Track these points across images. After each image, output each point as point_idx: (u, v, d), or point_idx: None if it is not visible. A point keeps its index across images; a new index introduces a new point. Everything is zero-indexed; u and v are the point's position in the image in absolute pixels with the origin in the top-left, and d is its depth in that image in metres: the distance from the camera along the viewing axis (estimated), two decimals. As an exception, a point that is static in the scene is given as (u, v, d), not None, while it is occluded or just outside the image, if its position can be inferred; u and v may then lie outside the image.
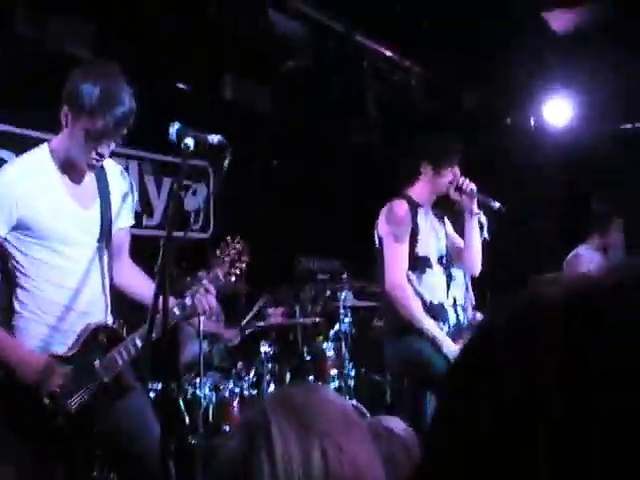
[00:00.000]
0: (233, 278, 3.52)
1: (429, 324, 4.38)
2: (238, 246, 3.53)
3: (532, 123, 7.71)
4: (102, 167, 3.31)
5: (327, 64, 6.50)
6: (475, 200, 4.59)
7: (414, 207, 4.55)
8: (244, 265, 3.53)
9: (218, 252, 3.50)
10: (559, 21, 6.35)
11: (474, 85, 7.65)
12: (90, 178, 3.30)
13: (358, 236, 7.67)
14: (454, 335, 4.48)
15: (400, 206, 4.52)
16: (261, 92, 7.48)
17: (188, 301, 3.34)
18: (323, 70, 6.57)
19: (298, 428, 1.20)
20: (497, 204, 4.57)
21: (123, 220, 3.51)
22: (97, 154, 3.13)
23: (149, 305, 3.05)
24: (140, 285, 3.52)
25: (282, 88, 7.34)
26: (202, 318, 5.01)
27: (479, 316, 5.01)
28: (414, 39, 6.49)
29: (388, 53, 6.85)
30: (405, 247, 4.44)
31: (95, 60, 3.16)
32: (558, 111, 7.44)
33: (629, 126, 7.70)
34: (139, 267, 3.63)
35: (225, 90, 7.07)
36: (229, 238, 3.55)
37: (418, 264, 4.49)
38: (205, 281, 3.40)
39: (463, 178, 4.57)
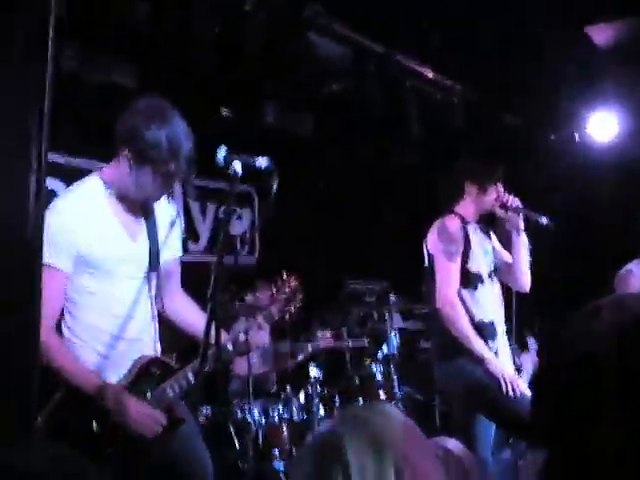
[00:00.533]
0: (287, 316, 3.52)
1: (478, 344, 4.33)
2: (293, 284, 3.52)
3: (577, 139, 7.61)
4: None
5: (368, 86, 6.49)
6: (521, 216, 4.54)
7: (464, 224, 4.52)
8: (299, 304, 3.53)
9: (274, 289, 3.49)
10: (601, 35, 6.29)
11: (517, 102, 7.59)
12: (139, 211, 3.33)
13: (404, 257, 7.64)
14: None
15: (453, 222, 4.48)
16: (303, 116, 7.51)
17: (242, 337, 3.33)
18: (364, 92, 6.56)
19: (372, 444, 1.18)
20: (545, 219, 4.51)
21: (172, 250, 3.52)
22: (169, 191, 3.20)
23: (200, 336, 3.08)
24: (191, 317, 3.53)
25: (324, 111, 7.35)
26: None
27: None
28: (454, 58, 6.47)
29: (429, 73, 6.82)
30: (457, 265, 4.40)
31: (147, 99, 3.17)
32: (603, 126, 7.34)
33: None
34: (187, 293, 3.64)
35: (267, 115, 7.10)
36: (285, 275, 3.54)
37: (470, 280, 4.45)
38: (259, 318, 3.39)
39: (507, 195, 4.52)
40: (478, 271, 4.48)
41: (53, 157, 5.60)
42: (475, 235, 4.57)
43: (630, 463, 1.06)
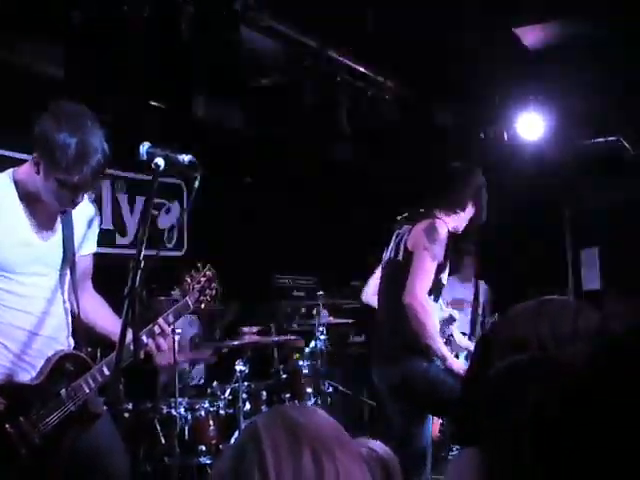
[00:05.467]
0: (203, 305, 3.51)
1: (441, 343, 4.35)
2: (208, 273, 3.52)
3: (505, 137, 7.73)
4: None
5: (300, 80, 6.49)
6: None
7: (449, 235, 4.51)
8: (214, 292, 3.53)
9: (188, 279, 3.48)
10: (530, 36, 6.39)
11: (447, 100, 7.68)
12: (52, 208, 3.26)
13: (333, 252, 7.71)
14: None
15: (443, 228, 4.43)
16: (233, 110, 7.47)
17: (144, 339, 3.29)
18: (295, 86, 6.56)
19: (289, 438, 1.17)
20: None
21: (87, 247, 3.47)
22: (73, 203, 3.12)
23: (112, 339, 3.10)
24: (102, 318, 3.48)
25: (254, 105, 7.33)
26: (177, 339, 4.98)
27: None
28: (386, 54, 6.51)
29: (361, 69, 6.85)
30: (434, 267, 4.40)
31: (64, 104, 3.08)
32: (531, 125, 7.46)
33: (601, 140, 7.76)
34: (111, 287, 3.57)
35: (197, 108, 7.04)
36: (199, 265, 3.53)
37: (436, 290, 4.45)
38: (160, 320, 3.36)
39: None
40: (443, 284, 4.51)
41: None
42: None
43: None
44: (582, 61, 6.30)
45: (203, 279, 3.49)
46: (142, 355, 3.28)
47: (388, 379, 4.51)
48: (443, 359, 4.31)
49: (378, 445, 2.13)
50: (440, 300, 4.58)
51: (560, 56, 6.44)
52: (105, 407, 3.44)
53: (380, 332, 4.64)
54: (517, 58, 6.57)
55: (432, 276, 4.37)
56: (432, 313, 4.35)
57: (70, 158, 2.95)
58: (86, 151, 2.97)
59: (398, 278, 4.44)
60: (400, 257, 4.50)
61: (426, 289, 4.34)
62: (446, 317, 4.69)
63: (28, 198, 3.15)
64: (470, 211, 4.57)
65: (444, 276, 4.48)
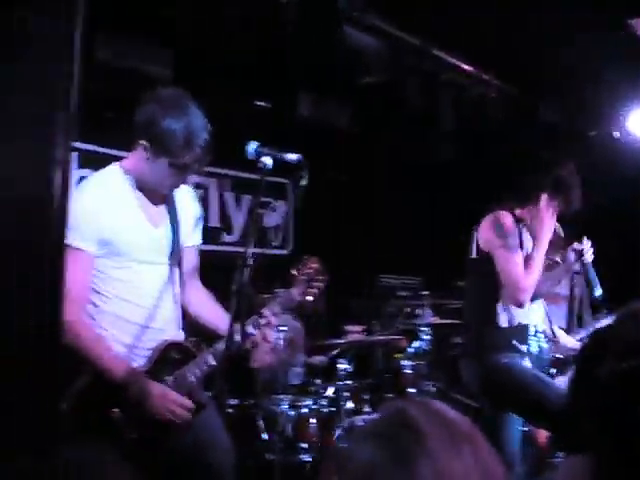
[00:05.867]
0: (310, 297, 3.47)
1: None
2: (315, 265, 3.48)
3: (616, 135, 7.49)
4: None
5: (404, 79, 6.45)
6: (581, 268, 4.44)
7: (518, 223, 4.43)
8: (322, 284, 3.49)
9: (295, 272, 3.47)
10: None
11: (555, 99, 7.51)
12: (159, 198, 3.36)
13: (438, 253, 7.63)
14: (534, 363, 4.37)
15: (506, 217, 4.36)
16: (338, 109, 7.48)
17: (250, 329, 3.32)
18: (400, 85, 6.53)
19: (450, 434, 1.13)
20: (599, 292, 4.36)
21: (192, 240, 3.55)
22: (183, 182, 3.25)
23: (217, 331, 3.20)
24: (208, 312, 3.54)
25: (360, 104, 7.32)
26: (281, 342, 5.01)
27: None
28: (491, 52, 6.40)
29: (466, 67, 6.76)
30: (520, 254, 4.30)
31: (162, 90, 3.21)
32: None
33: None
34: (217, 284, 3.63)
35: (302, 107, 7.09)
36: (306, 257, 3.53)
37: None
38: (268, 312, 3.37)
39: (589, 246, 4.40)
40: None
41: (90, 147, 5.66)
42: (525, 236, 4.47)
43: None
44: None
45: (309, 271, 3.46)
46: (249, 345, 3.33)
47: (472, 378, 4.48)
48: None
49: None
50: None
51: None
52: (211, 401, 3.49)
53: (467, 331, 4.64)
54: (630, 51, 6.36)
55: (522, 264, 4.27)
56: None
57: (179, 141, 3.09)
58: (193, 132, 3.10)
59: (476, 277, 4.40)
60: (474, 254, 4.44)
61: (533, 281, 4.26)
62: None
63: (138, 187, 3.27)
64: (549, 204, 4.42)
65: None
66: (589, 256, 4.38)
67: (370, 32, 5.80)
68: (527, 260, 4.29)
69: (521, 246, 4.36)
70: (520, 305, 4.24)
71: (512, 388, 4.28)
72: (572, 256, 4.41)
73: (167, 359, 3.31)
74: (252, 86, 6.52)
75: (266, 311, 3.37)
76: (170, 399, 3.18)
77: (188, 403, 3.22)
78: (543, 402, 4.13)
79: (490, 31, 5.89)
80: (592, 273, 4.39)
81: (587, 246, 4.39)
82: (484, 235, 4.38)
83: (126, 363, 3.19)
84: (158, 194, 3.33)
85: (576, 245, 4.41)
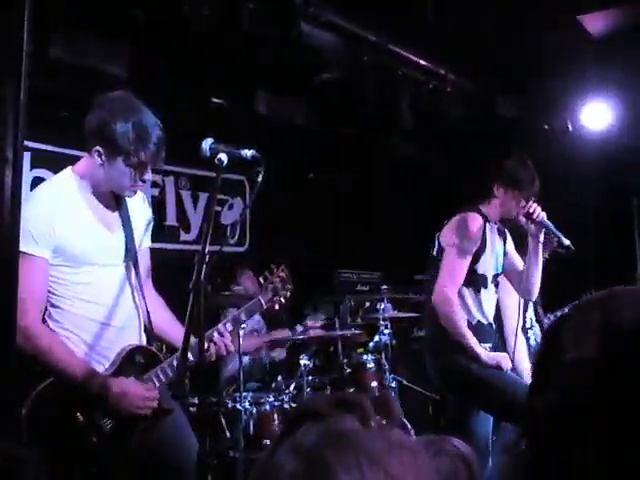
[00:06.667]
0: (277, 306, 3.56)
1: (472, 341, 4.31)
2: (282, 274, 3.57)
3: (570, 128, 7.58)
4: None
5: (361, 75, 6.46)
6: (543, 230, 4.46)
7: (485, 223, 4.46)
8: (288, 293, 3.56)
9: (262, 280, 3.53)
10: (594, 23, 6.26)
11: (510, 92, 7.57)
12: (112, 203, 3.36)
13: (397, 248, 7.67)
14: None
15: (475, 221, 4.41)
16: (295, 106, 7.48)
17: (215, 336, 3.37)
18: (357, 81, 6.54)
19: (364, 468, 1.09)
20: (567, 241, 4.38)
21: (144, 242, 3.57)
22: (142, 180, 3.23)
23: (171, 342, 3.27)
24: (163, 321, 3.56)
25: (316, 101, 7.32)
26: (241, 334, 5.02)
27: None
28: (447, 47, 6.44)
29: (422, 62, 6.79)
30: (466, 262, 4.35)
31: (108, 94, 3.21)
32: (596, 115, 7.31)
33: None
34: (175, 281, 3.62)
35: (258, 104, 7.07)
36: (273, 266, 3.58)
37: (474, 281, 4.43)
38: (220, 326, 3.40)
39: (535, 205, 4.42)
40: (484, 273, 4.45)
41: (44, 147, 5.61)
42: (491, 235, 4.50)
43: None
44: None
45: (277, 280, 3.55)
46: (212, 355, 3.35)
47: (436, 372, 4.56)
48: (476, 356, 4.28)
49: (459, 442, 2.13)
50: (491, 287, 4.53)
51: (624, 43, 6.30)
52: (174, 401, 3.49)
53: (428, 327, 4.72)
54: (581, 47, 6.44)
55: (462, 273, 4.34)
56: (459, 312, 4.35)
57: (132, 139, 3.10)
58: (144, 129, 3.13)
59: (431, 274, 4.47)
60: (434, 252, 4.50)
61: (455, 287, 4.33)
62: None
63: (90, 192, 3.25)
64: (506, 197, 4.47)
65: (480, 266, 4.44)
66: (541, 213, 4.42)
67: (326, 28, 5.81)
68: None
69: (485, 247, 4.41)
70: (441, 310, 4.34)
71: (474, 388, 4.34)
72: (523, 220, 4.46)
73: (132, 362, 3.30)
74: (208, 84, 6.49)
75: (221, 327, 3.40)
76: (132, 393, 3.17)
77: (152, 393, 3.21)
78: (505, 398, 4.20)
79: (449, 28, 5.94)
80: (551, 227, 4.42)
81: (533, 205, 4.43)
82: (447, 232, 4.44)
83: (85, 363, 3.17)
84: (111, 199, 3.33)
85: (522, 209, 4.45)
